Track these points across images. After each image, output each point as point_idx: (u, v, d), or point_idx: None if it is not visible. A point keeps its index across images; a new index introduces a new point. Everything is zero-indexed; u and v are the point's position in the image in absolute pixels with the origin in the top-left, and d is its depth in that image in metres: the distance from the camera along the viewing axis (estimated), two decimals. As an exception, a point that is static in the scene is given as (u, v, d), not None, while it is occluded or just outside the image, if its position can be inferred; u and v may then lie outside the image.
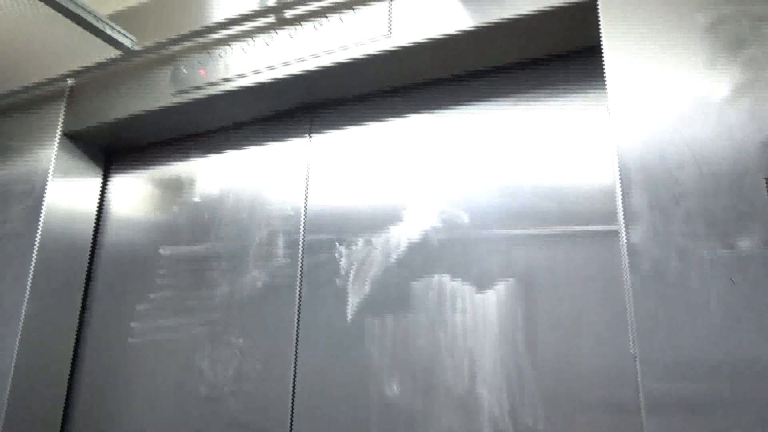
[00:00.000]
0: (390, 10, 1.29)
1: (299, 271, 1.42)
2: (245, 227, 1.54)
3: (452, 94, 1.38)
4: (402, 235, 1.32)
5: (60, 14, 1.39)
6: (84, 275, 1.71)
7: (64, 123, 1.70)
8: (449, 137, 1.35)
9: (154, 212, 1.70)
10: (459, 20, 1.21)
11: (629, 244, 0.89)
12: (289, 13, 1.43)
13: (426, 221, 1.31)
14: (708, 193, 0.86)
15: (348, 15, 1.34)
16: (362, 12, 1.32)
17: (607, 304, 1.08)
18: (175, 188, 1.69)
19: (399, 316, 1.27)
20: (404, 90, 1.44)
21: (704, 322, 0.82)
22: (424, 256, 1.28)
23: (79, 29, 1.45)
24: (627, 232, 0.90)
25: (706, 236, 0.84)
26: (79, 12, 1.40)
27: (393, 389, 1.23)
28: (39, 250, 1.58)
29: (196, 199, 1.64)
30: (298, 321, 1.38)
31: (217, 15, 1.54)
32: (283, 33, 1.42)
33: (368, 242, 1.36)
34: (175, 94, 1.54)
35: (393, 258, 1.32)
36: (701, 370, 0.81)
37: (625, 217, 0.91)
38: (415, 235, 1.31)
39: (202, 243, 1.59)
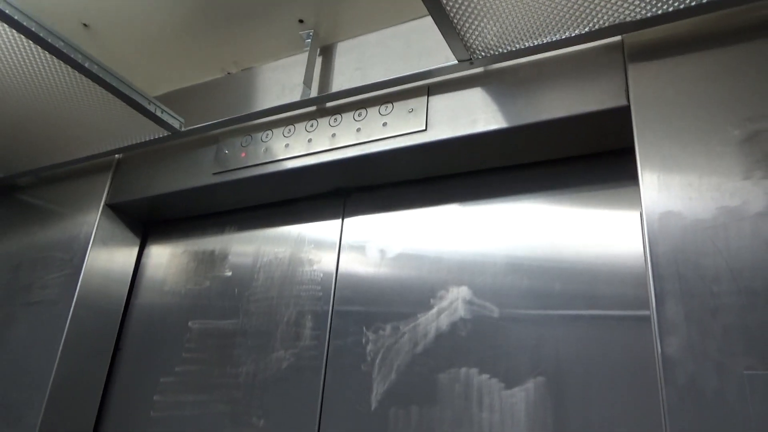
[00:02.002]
0: (427, 107, 1.35)
1: (325, 354, 1.42)
2: (274, 305, 1.55)
3: (484, 187, 1.41)
4: (430, 325, 1.32)
5: (116, 97, 1.49)
6: (113, 344, 1.73)
7: (108, 194, 1.77)
8: (480, 228, 1.36)
9: (186, 285, 1.73)
10: (493, 119, 1.25)
11: (664, 356, 0.88)
12: (330, 104, 1.50)
13: (455, 311, 1.31)
14: (746, 308, 0.85)
15: (387, 108, 1.40)
16: (401, 106, 1.38)
17: (640, 406, 1.05)
18: (209, 262, 1.73)
19: (424, 409, 1.24)
20: (437, 180, 1.48)
21: (744, 443, 0.79)
22: (451, 348, 1.27)
23: (131, 109, 1.54)
24: (662, 343, 0.89)
25: (745, 353, 0.83)
26: (132, 95, 1.48)
27: (415, 486, 1.20)
28: (72, 317, 1.61)
29: (228, 273, 1.67)
30: (321, 406, 1.37)
31: (262, 102, 1.62)
32: (324, 122, 1.49)
33: (396, 329, 1.35)
34: (216, 174, 1.60)
35: (420, 347, 1.31)
36: (742, 496, 0.78)
37: (659, 327, 0.90)
38: (443, 325, 1.30)
39: (230, 319, 1.60)
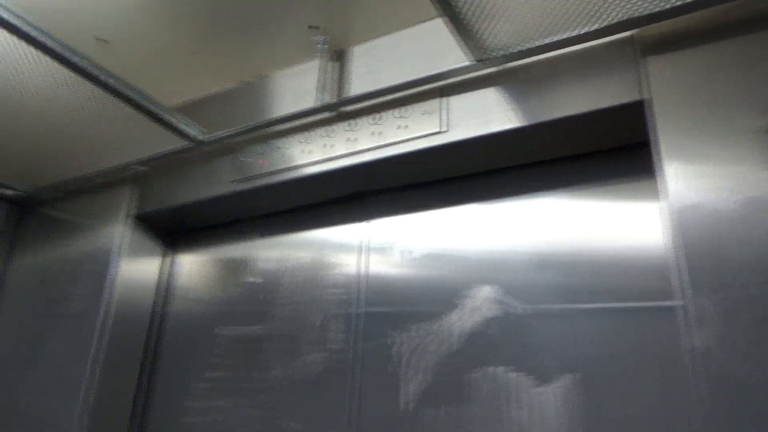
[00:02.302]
0: (444, 108, 1.36)
1: (354, 357, 1.44)
2: (300, 310, 1.58)
3: (503, 185, 1.42)
4: (457, 324, 1.34)
5: (136, 110, 1.51)
6: (141, 353, 1.76)
7: (133, 206, 1.80)
8: (502, 226, 1.38)
9: (212, 292, 1.76)
10: (508, 119, 1.26)
11: (694, 347, 0.89)
12: (347, 109, 1.51)
13: (481, 310, 1.32)
14: (773, 298, 0.86)
15: (403, 111, 1.42)
16: (417, 108, 1.40)
17: (669, 397, 1.06)
18: (234, 269, 1.75)
19: (455, 408, 1.26)
20: (456, 180, 1.49)
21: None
22: (480, 346, 1.29)
23: (152, 121, 1.56)
24: (692, 334, 0.90)
25: (775, 343, 0.84)
26: (152, 107, 1.51)
27: (448, 484, 1.21)
28: (101, 327, 1.65)
29: (253, 280, 1.70)
30: (352, 408, 1.39)
31: (278, 109, 1.64)
32: (341, 126, 1.50)
33: (423, 329, 1.37)
34: (235, 182, 1.62)
35: (448, 346, 1.33)
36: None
37: (689, 318, 0.91)
38: (471, 324, 1.32)
39: (257, 324, 1.63)
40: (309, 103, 1.57)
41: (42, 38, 1.27)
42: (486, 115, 1.30)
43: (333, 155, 1.48)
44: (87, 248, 1.82)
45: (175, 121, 1.58)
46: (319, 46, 1.61)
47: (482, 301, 1.33)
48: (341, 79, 1.59)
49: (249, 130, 1.60)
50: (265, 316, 1.63)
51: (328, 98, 1.55)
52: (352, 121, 1.49)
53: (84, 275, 1.76)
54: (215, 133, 1.65)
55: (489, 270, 1.35)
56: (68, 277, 1.80)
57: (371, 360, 1.41)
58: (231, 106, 1.77)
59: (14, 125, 1.62)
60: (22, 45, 1.29)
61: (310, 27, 1.58)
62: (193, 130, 1.64)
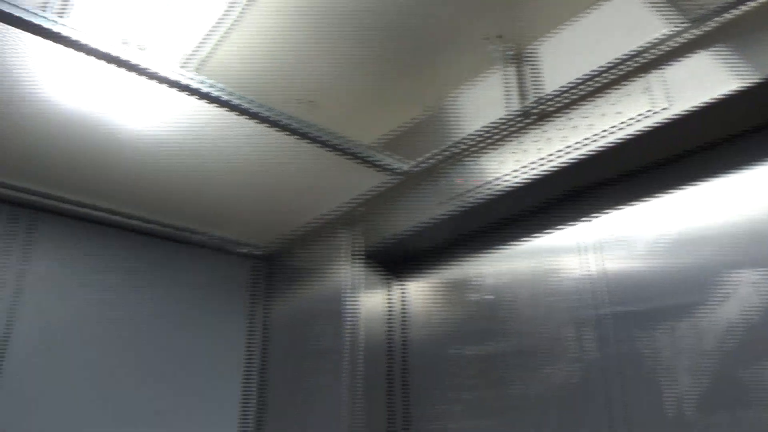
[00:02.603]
0: (664, 82, 1.23)
1: (603, 363, 1.35)
2: (532, 321, 1.53)
3: (736, 154, 1.23)
4: (716, 316, 1.17)
5: (343, 156, 1.63)
6: (386, 381, 1.86)
7: (356, 244, 1.94)
8: (746, 199, 1.19)
9: (442, 315, 1.80)
10: (730, 80, 1.10)
11: None
12: (545, 109, 1.45)
13: (743, 297, 1.15)
14: None
15: (609, 98, 1.32)
16: (624, 90, 1.29)
17: None
18: (458, 289, 1.78)
19: (732, 413, 1.10)
20: (678, 159, 1.33)
21: None
22: (749, 340, 1.11)
23: (359, 163, 1.67)
24: None
25: None
26: (358, 150, 1.61)
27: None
28: (349, 360, 1.78)
29: (479, 297, 1.70)
30: (611, 418, 1.29)
31: (471, 125, 1.64)
32: (539, 129, 1.45)
33: (674, 328, 1.23)
34: (441, 205, 1.66)
35: (715, 342, 1.17)
36: None
37: None
38: (733, 315, 1.15)
39: (491, 341, 1.61)
40: (499, 112, 1.55)
41: (254, 108, 1.43)
42: (707, 81, 1.15)
43: (537, 158, 1.43)
44: (324, 289, 1.99)
45: (381, 158, 1.67)
46: (498, 53, 1.58)
47: (742, 287, 1.15)
48: (530, 80, 1.54)
49: (448, 152, 1.63)
50: (497, 332, 1.61)
51: (519, 103, 1.51)
52: (551, 121, 1.43)
53: (325, 314, 1.93)
54: (417, 162, 1.71)
55: (741, 251, 1.17)
56: (313, 317, 1.99)
57: (625, 365, 1.30)
58: (424, 133, 1.82)
59: (246, 192, 1.85)
60: (235, 117, 1.45)
61: (484, 38, 1.57)
62: (398, 164, 1.71)
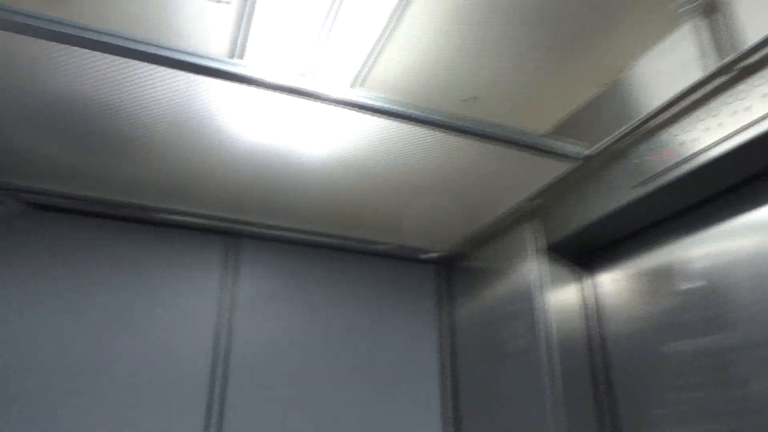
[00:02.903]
0: None
1: None
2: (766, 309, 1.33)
3: None
4: None
5: (516, 149, 1.57)
6: (590, 381, 1.75)
7: (539, 239, 1.86)
8: None
9: (644, 307, 1.64)
10: None
11: None
12: (743, 64, 1.26)
13: None
14: None
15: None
16: None
17: None
18: (661, 278, 1.61)
19: None
20: None
21: None
22: None
23: (533, 154, 1.60)
24: None
25: None
26: (530, 140, 1.54)
27: None
28: (546, 362, 1.70)
29: (690, 285, 1.52)
30: None
31: (659, 95, 1.48)
32: (746, 86, 1.25)
33: None
34: (635, 187, 1.51)
35: None
36: None
37: None
38: None
39: (714, 334, 1.43)
40: (695, 74, 1.37)
41: (426, 115, 1.43)
42: None
43: (749, 120, 1.23)
44: (511, 289, 1.93)
45: (558, 145, 1.58)
46: (687, 7, 1.40)
47: None
48: (727, 33, 1.34)
49: (634, 129, 1.48)
50: (719, 323, 1.42)
51: (717, 60, 1.32)
52: (759, 75, 1.23)
53: (515, 315, 1.87)
54: (599, 145, 1.58)
55: None
56: (502, 318, 1.95)
57: None
58: (603, 112, 1.68)
59: (424, 199, 1.87)
60: (407, 127, 1.47)
61: (666, -6, 1.40)
62: (575, 149, 1.61)
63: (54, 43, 1.16)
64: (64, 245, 1.90)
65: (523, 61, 1.62)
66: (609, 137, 1.55)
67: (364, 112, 1.40)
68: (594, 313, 1.82)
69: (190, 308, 1.98)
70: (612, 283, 1.78)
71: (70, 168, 1.66)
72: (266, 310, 2.08)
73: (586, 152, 1.61)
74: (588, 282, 1.87)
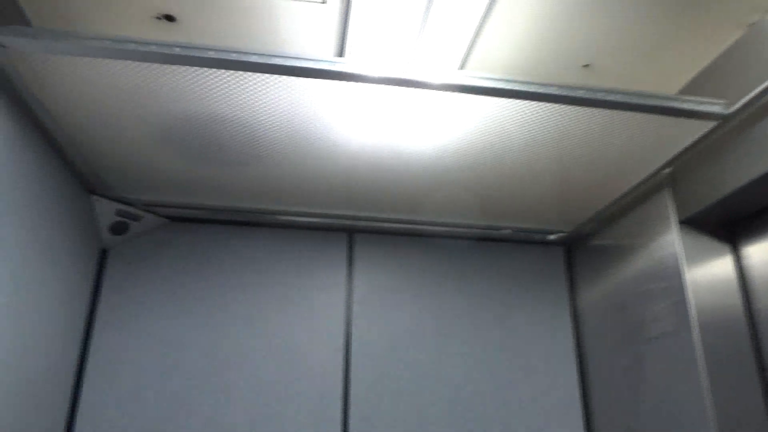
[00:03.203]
0: None
1: None
2: None
3: None
4: None
5: (645, 114, 1.44)
6: (754, 364, 1.57)
7: (676, 211, 1.70)
8: None
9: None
10: None
11: None
12: None
13: None
14: None
15: None
16: None
17: None
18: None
19: None
20: None
21: None
22: None
23: (664, 117, 1.46)
24: None
25: None
26: (662, 103, 1.40)
27: None
28: (700, 342, 1.55)
29: None
30: None
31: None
32: None
33: None
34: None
35: None
36: None
37: None
38: None
39: None
40: None
41: (543, 90, 1.35)
42: None
43: None
44: (649, 266, 1.79)
45: (690, 105, 1.43)
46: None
47: None
48: None
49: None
50: None
51: None
52: None
53: (658, 293, 1.73)
54: (741, 101, 1.40)
55: None
56: (644, 298, 1.80)
57: None
58: (746, 61, 1.49)
59: (547, 179, 1.77)
60: (523, 104, 1.39)
61: None
62: (713, 107, 1.44)
63: (167, 65, 1.22)
64: (197, 253, 2.03)
65: (648, 19, 1.48)
66: (753, 91, 1.37)
67: (475, 94, 1.34)
68: (744, 289, 1.63)
69: (319, 305, 2.04)
70: (762, 254, 1.59)
71: (197, 181, 1.77)
72: (392, 304, 2.10)
73: (727, 111, 1.44)
74: (734, 255, 1.68)
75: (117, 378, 1.83)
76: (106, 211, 1.89)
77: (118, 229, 1.96)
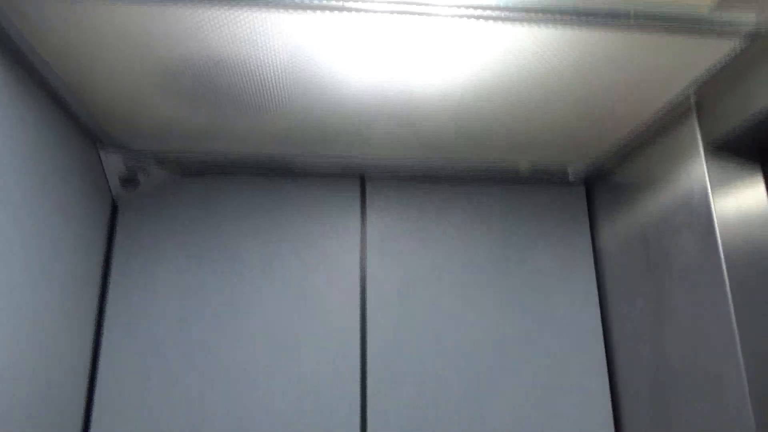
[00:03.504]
0: None
1: None
2: None
3: None
4: None
5: (666, 33, 1.35)
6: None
7: (703, 139, 1.61)
8: None
9: None
10: None
11: None
12: None
13: None
14: None
15: None
16: None
17: None
18: None
19: None
20: None
21: None
22: None
23: (689, 36, 1.36)
24: None
25: None
26: (689, 16, 1.31)
27: None
28: (729, 279, 1.49)
29: None
30: None
31: None
32: None
33: None
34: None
35: None
36: None
37: None
38: None
39: None
40: None
41: (548, 9, 1.26)
42: None
43: None
44: (673, 198, 1.72)
45: (715, 18, 1.33)
46: None
47: None
48: None
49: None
50: None
51: None
52: None
53: (683, 226, 1.66)
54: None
55: None
56: (666, 232, 1.74)
57: None
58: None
59: (566, 112, 1.69)
60: (538, 30, 1.32)
61: None
62: (745, 22, 1.34)
63: (165, 5, 1.16)
64: (209, 204, 2.01)
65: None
66: (789, 0, 1.27)
67: (485, 20, 1.26)
68: (779, 217, 1.56)
69: (334, 252, 2.02)
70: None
71: (204, 129, 1.73)
72: (410, 248, 2.07)
73: (758, 27, 1.34)
74: (766, 184, 1.60)
75: (136, 327, 1.85)
76: (115, 164, 1.87)
77: (128, 182, 1.94)
